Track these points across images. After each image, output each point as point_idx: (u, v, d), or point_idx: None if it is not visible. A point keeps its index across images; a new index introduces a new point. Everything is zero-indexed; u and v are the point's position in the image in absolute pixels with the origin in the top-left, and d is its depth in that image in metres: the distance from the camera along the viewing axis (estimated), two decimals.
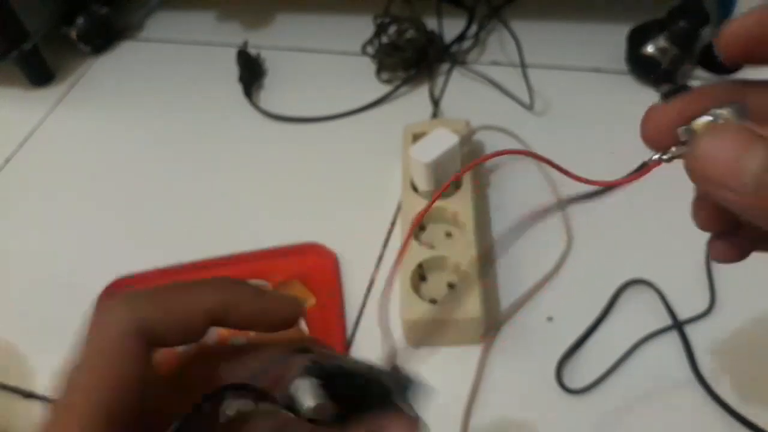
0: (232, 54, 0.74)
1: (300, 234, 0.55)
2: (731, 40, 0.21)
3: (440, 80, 0.67)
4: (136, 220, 0.61)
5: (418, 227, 0.51)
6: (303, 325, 0.49)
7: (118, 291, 0.54)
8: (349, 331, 0.49)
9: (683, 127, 0.21)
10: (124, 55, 0.81)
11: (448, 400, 0.44)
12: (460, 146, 0.51)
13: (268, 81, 0.73)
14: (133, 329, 0.21)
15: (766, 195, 0.18)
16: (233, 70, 0.73)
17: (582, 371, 0.44)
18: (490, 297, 0.48)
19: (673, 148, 0.22)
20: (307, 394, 0.21)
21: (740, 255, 0.24)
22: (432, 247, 0.49)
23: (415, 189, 0.53)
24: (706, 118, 0.21)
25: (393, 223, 0.55)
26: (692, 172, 0.20)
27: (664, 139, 0.22)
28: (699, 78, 0.61)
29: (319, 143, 0.64)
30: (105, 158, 0.68)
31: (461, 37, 0.70)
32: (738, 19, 0.21)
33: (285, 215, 0.58)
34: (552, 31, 0.70)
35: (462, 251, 0.48)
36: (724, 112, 0.21)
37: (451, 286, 0.48)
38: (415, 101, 0.66)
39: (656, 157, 0.22)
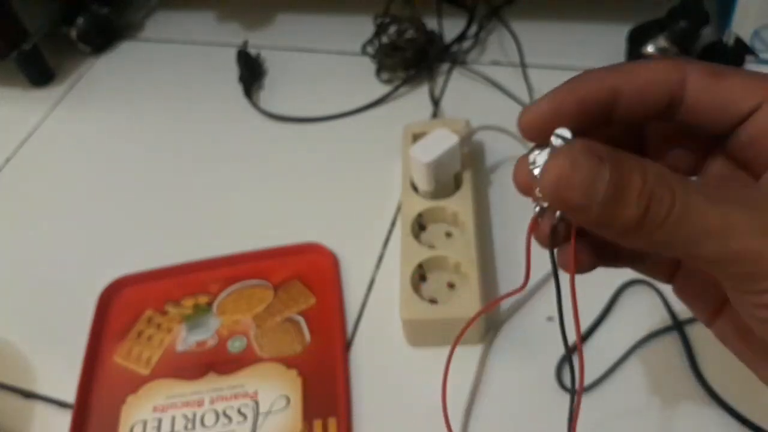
0: (232, 54, 0.74)
1: (300, 234, 0.55)
2: (527, 126, 0.24)
3: (440, 80, 0.67)
4: (136, 219, 0.61)
5: (418, 227, 0.51)
6: (303, 325, 0.49)
7: (119, 291, 0.54)
8: (349, 331, 0.49)
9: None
10: (124, 55, 0.81)
11: (448, 400, 0.44)
12: (460, 146, 0.51)
13: (268, 81, 0.73)
14: None
15: (613, 212, 0.21)
16: (233, 70, 0.73)
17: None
18: (490, 297, 0.48)
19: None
20: None
21: (588, 266, 0.26)
22: (432, 247, 0.49)
23: (415, 189, 0.53)
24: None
25: (393, 223, 0.55)
26: (548, 197, 0.22)
27: (539, 135, 0.24)
28: None
29: (319, 143, 0.64)
30: (105, 158, 0.68)
31: (461, 37, 0.70)
32: (533, 107, 0.24)
33: (285, 215, 0.58)
34: (552, 31, 0.70)
35: (462, 251, 0.48)
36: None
37: (451, 286, 0.48)
38: (415, 101, 0.66)
39: (537, 209, 0.25)
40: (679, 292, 0.29)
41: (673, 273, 0.29)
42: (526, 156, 0.24)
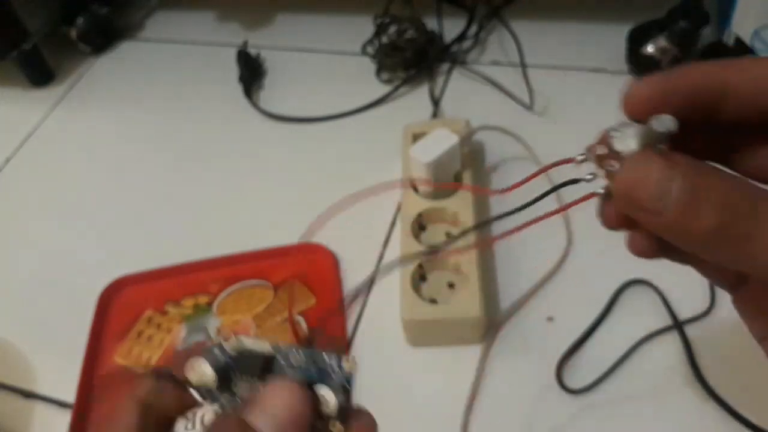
0: (232, 54, 0.74)
1: (300, 234, 0.55)
2: (634, 101, 0.23)
3: (440, 80, 0.67)
4: (136, 219, 0.61)
5: (418, 227, 0.51)
6: (303, 325, 0.49)
7: (119, 291, 0.54)
8: (349, 331, 0.49)
9: (597, 152, 0.23)
10: (124, 55, 0.81)
11: (448, 400, 0.44)
12: (460, 146, 0.51)
13: (268, 81, 0.73)
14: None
15: (683, 217, 0.20)
16: (233, 70, 0.73)
17: (582, 371, 0.44)
18: (490, 297, 0.48)
19: (601, 175, 0.23)
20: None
21: (651, 252, 0.25)
22: (432, 247, 0.49)
23: (415, 189, 0.53)
24: (618, 143, 0.22)
25: (393, 223, 0.55)
26: (619, 198, 0.22)
27: (642, 111, 0.23)
28: None
29: (319, 143, 0.64)
30: (105, 158, 0.68)
31: (461, 37, 0.70)
32: (640, 84, 0.23)
33: (285, 215, 0.58)
34: (552, 31, 0.70)
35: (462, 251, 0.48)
36: (630, 138, 0.22)
37: (451, 286, 0.48)
38: (415, 101, 0.66)
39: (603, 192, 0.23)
40: (741, 304, 0.27)
41: (740, 283, 0.26)
42: (608, 133, 0.23)
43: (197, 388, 0.24)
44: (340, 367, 0.25)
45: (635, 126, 0.23)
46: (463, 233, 0.22)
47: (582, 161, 0.23)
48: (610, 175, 0.23)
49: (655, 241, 0.24)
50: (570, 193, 0.25)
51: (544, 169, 0.24)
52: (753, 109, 0.22)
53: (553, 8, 0.72)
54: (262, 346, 0.24)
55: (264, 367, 0.24)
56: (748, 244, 0.20)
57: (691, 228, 0.20)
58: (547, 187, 0.26)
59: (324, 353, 0.25)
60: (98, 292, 0.53)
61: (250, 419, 0.22)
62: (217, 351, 0.24)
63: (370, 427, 0.25)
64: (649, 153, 0.22)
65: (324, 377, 0.25)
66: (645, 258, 0.25)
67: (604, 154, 0.23)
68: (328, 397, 0.24)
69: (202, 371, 0.24)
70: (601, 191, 0.23)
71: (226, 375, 0.24)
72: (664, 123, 0.22)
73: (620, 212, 0.24)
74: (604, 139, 0.23)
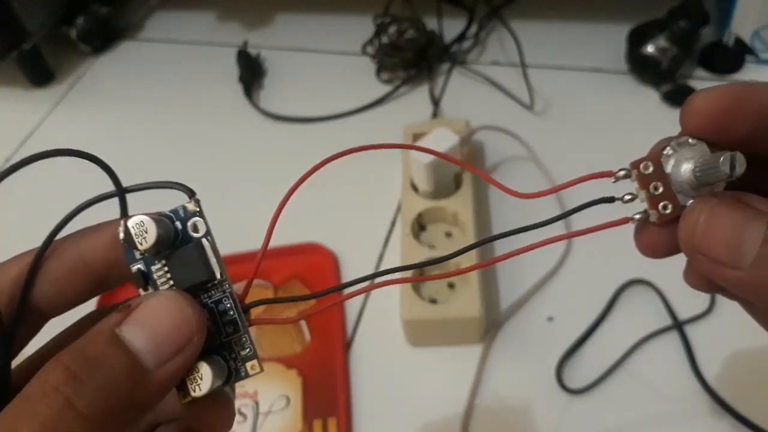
0: (232, 54, 0.74)
1: (300, 234, 0.55)
2: (695, 116, 0.19)
3: (440, 80, 0.67)
4: None
5: (418, 227, 0.51)
6: (303, 325, 0.49)
7: (118, 291, 0.54)
8: (349, 331, 0.49)
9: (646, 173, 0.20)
10: (124, 55, 0.81)
11: (448, 400, 0.44)
12: (460, 146, 0.51)
13: (268, 81, 0.73)
14: None
15: (765, 272, 0.17)
16: (233, 70, 0.73)
17: (582, 371, 0.44)
18: (490, 297, 0.48)
19: (660, 206, 0.20)
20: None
21: (706, 288, 0.22)
22: (432, 247, 0.49)
23: (415, 189, 0.53)
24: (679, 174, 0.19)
25: (393, 223, 0.55)
26: (685, 244, 0.19)
27: (704, 128, 0.19)
28: (699, 78, 0.61)
29: (319, 143, 0.64)
30: (104, 158, 0.68)
31: (461, 37, 0.70)
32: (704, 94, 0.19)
33: (285, 215, 0.58)
34: (552, 31, 0.70)
35: None
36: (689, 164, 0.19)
37: (451, 286, 0.48)
38: (415, 101, 0.66)
39: (638, 215, 0.20)
40: None
41: None
42: (667, 142, 0.20)
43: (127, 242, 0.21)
44: (243, 359, 0.21)
45: (694, 150, 0.19)
46: (478, 244, 0.22)
47: (623, 177, 0.20)
48: (652, 199, 0.20)
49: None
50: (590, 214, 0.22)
51: (576, 181, 0.21)
52: None
53: (553, 8, 0.72)
54: (215, 268, 0.21)
55: (194, 286, 0.21)
56: None
57: None
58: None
59: (246, 335, 0.21)
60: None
61: (123, 333, 0.19)
62: (172, 222, 0.21)
63: (226, 421, 0.22)
64: (723, 195, 0.19)
65: (221, 348, 0.21)
66: (703, 292, 0.22)
67: (649, 174, 0.20)
68: (205, 375, 0.20)
69: (145, 229, 0.20)
70: (638, 216, 0.20)
71: (158, 253, 0.21)
72: (733, 163, 0.18)
73: (663, 243, 0.20)
74: (655, 157, 0.20)
